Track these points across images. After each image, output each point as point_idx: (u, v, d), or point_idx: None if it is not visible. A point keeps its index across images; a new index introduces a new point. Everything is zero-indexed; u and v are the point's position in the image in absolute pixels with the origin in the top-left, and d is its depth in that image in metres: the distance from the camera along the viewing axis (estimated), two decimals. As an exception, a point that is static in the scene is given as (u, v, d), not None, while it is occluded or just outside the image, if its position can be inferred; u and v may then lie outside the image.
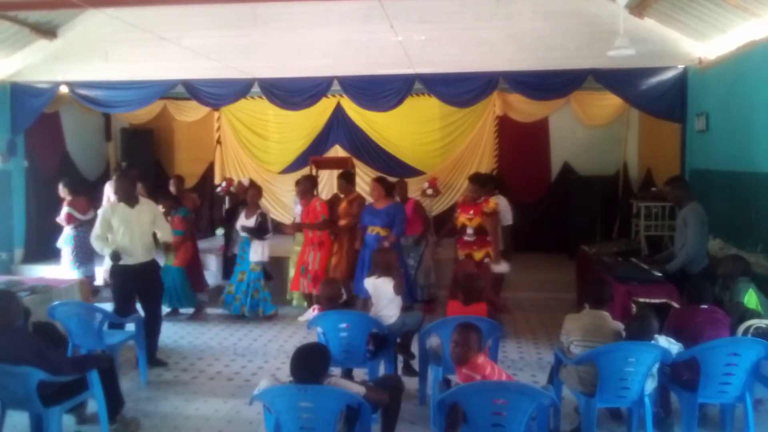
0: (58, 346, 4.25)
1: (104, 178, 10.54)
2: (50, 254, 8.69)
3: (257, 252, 6.98)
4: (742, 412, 3.97)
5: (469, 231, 6.35)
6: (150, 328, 5.45)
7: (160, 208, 6.05)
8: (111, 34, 7.82)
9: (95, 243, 5.42)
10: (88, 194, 8.12)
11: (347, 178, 7.42)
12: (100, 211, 5.48)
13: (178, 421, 4.48)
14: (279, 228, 7.87)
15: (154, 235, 5.63)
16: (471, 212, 6.39)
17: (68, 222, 7.58)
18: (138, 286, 5.44)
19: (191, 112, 10.68)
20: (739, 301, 4.58)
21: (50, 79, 8.30)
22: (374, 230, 6.45)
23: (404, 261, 6.74)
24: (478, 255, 6.34)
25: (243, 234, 7.02)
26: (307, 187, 7.13)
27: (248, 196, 7.21)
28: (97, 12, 7.58)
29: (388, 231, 6.41)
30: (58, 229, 7.80)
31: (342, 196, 7.38)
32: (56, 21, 8.01)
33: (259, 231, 6.93)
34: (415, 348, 4.94)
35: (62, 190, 7.71)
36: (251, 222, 6.97)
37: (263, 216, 7.01)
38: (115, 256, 5.27)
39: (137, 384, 5.14)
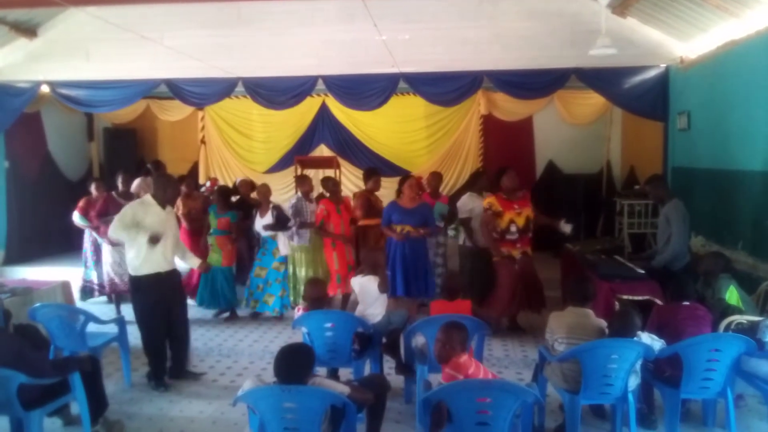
0: (39, 349, 4.20)
1: (87, 178, 10.46)
2: (32, 255, 8.60)
3: (286, 245, 6.99)
4: (724, 408, 4.01)
5: (513, 228, 6.05)
6: (180, 339, 5.19)
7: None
8: (92, 33, 7.73)
9: (121, 232, 4.80)
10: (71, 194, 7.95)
11: (378, 174, 7.33)
12: (128, 207, 4.97)
13: (163, 422, 4.45)
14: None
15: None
16: (516, 207, 6.10)
17: None
18: (169, 294, 5.04)
19: (175, 112, 10.61)
20: (720, 298, 4.64)
21: (31, 78, 8.20)
22: (405, 229, 6.34)
23: (429, 259, 6.65)
24: (516, 252, 6.12)
25: (265, 234, 6.96)
26: (337, 188, 7.10)
27: (259, 194, 7.18)
28: (78, 11, 7.50)
29: (417, 229, 6.33)
30: (41, 230, 7.69)
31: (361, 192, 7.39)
32: (36, 19, 7.91)
33: (279, 222, 6.89)
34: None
35: (96, 189, 7.53)
36: (268, 218, 6.93)
37: (277, 208, 6.98)
38: (154, 238, 4.79)
39: (121, 386, 5.09)
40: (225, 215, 6.96)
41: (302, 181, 7.43)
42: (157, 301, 4.95)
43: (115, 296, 7.12)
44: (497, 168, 6.68)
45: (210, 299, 7.08)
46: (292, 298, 7.24)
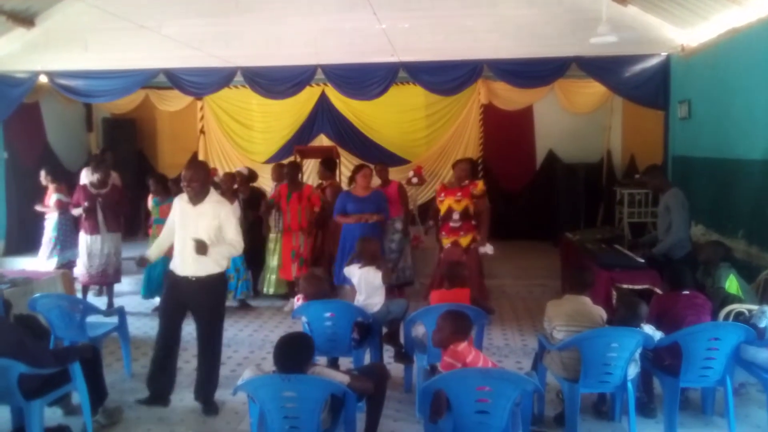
0: (40, 339, 4.21)
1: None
2: (32, 246, 8.58)
3: None
4: (723, 396, 4.01)
5: (456, 216, 6.21)
6: (200, 358, 4.50)
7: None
8: (90, 23, 7.69)
9: (160, 236, 4.65)
10: (67, 182, 7.95)
11: (327, 165, 7.40)
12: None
13: (162, 412, 4.45)
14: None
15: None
16: (459, 194, 6.23)
17: (60, 207, 7.38)
18: (187, 302, 4.43)
19: (174, 102, 10.57)
20: (720, 287, 4.64)
21: (29, 68, 8.14)
22: (363, 217, 6.40)
23: (383, 245, 6.70)
24: (464, 241, 6.25)
25: None
26: (294, 175, 7.11)
27: (222, 184, 7.24)
28: (75, 0, 7.46)
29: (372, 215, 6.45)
30: (40, 220, 7.69)
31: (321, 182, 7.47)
32: (34, 9, 7.85)
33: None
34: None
35: (44, 178, 7.59)
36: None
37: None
38: (139, 262, 4.63)
39: (121, 376, 5.10)
40: (167, 201, 6.71)
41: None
42: (173, 299, 4.46)
43: (105, 287, 7.15)
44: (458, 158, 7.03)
45: (147, 288, 6.95)
46: (266, 288, 7.35)
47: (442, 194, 6.30)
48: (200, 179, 4.28)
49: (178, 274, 4.37)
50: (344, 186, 7.88)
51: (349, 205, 6.41)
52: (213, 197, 4.38)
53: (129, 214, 7.81)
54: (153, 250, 4.76)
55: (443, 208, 6.32)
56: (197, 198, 4.29)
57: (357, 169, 6.69)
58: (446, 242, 6.32)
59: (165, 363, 4.53)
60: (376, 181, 7.05)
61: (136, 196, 9.13)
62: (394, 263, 6.88)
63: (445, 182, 6.54)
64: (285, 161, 8.60)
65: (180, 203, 4.41)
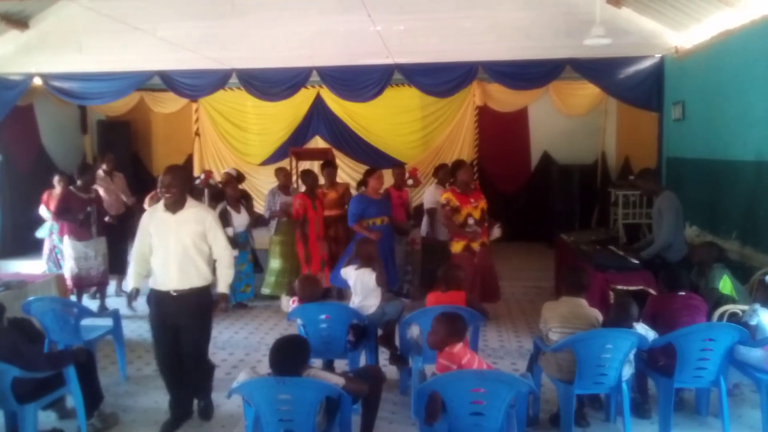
0: (33, 342, 4.19)
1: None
2: (26, 249, 8.57)
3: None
4: (717, 396, 4.02)
5: (471, 221, 6.09)
6: (188, 372, 4.21)
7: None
8: (84, 25, 7.68)
9: (132, 262, 4.29)
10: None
11: (334, 168, 7.43)
12: (140, 222, 4.24)
13: (158, 415, 4.43)
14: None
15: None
16: (473, 201, 6.13)
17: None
18: (174, 318, 4.10)
19: (169, 104, 10.58)
20: (714, 287, 4.66)
21: (23, 70, 8.13)
22: (385, 220, 6.56)
23: (392, 248, 6.73)
24: (475, 245, 6.15)
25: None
26: (315, 184, 7.12)
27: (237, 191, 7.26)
28: (69, 2, 7.45)
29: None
30: (36, 224, 7.67)
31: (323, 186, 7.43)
32: (28, 11, 7.84)
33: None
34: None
35: (57, 182, 7.56)
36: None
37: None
38: (130, 296, 4.29)
39: (116, 379, 5.09)
40: None
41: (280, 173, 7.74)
42: (161, 320, 4.17)
43: (97, 290, 7.09)
44: (454, 161, 6.94)
45: None
46: (268, 290, 7.32)
47: (472, 199, 6.14)
48: (179, 185, 4.04)
49: (160, 289, 4.10)
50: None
51: (370, 209, 6.47)
52: (192, 203, 4.17)
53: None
54: (135, 279, 4.28)
55: (477, 213, 6.13)
56: (176, 205, 4.05)
57: (369, 173, 6.70)
58: (475, 246, 6.14)
59: (178, 384, 4.29)
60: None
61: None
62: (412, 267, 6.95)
63: (455, 188, 6.26)
64: (290, 166, 8.60)
65: (155, 214, 4.12)
